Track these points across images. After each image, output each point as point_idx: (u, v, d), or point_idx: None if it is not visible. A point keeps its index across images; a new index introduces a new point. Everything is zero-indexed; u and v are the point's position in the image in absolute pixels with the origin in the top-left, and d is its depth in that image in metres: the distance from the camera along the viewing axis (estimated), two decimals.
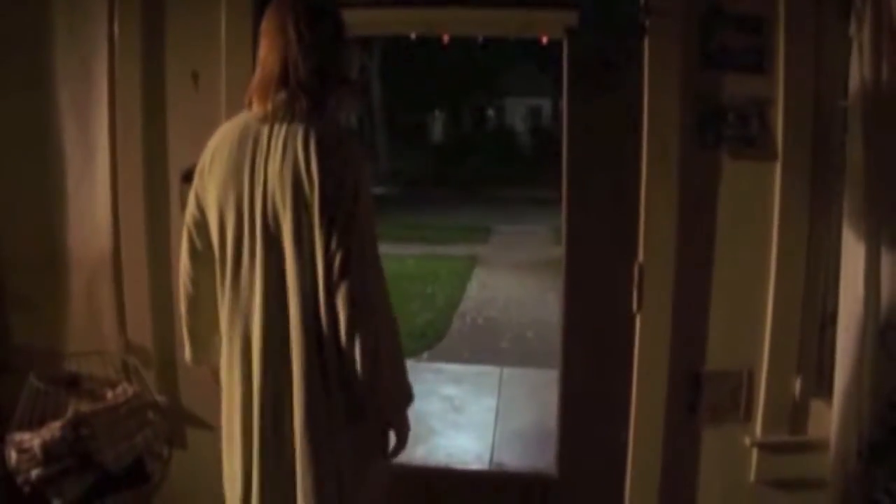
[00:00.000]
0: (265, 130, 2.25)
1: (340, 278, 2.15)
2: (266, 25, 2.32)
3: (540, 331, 8.84)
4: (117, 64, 3.53)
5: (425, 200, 22.28)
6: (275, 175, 2.20)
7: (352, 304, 2.15)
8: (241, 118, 2.33)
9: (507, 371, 6.84)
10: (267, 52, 2.29)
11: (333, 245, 2.16)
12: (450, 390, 6.29)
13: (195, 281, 2.52)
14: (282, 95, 2.23)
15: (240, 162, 2.26)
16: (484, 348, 8.06)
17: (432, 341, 8.37)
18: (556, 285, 11.57)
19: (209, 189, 2.33)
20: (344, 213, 2.16)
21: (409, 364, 2.51)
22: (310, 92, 2.24)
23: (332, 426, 2.26)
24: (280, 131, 2.23)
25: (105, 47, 3.53)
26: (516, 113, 38.36)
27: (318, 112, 2.25)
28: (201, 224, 2.42)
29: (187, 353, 2.65)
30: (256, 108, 2.28)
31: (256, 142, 2.25)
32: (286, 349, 2.23)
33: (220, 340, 2.42)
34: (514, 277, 12.08)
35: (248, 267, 2.27)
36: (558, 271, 12.22)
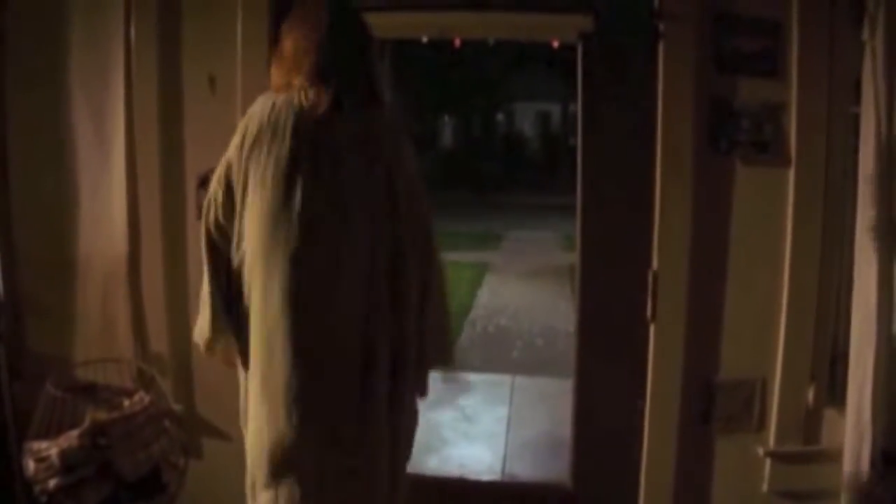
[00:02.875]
0: (330, 118, 2.31)
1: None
2: (307, 15, 2.41)
3: (551, 339, 8.83)
4: (134, 68, 3.55)
5: (435, 206, 22.16)
6: (352, 160, 2.32)
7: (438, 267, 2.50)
8: (287, 100, 2.35)
9: (518, 380, 6.82)
10: (313, 40, 2.37)
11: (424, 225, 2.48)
12: (462, 399, 6.27)
13: (218, 247, 2.51)
14: (343, 84, 2.33)
15: (300, 147, 2.30)
16: (495, 356, 8.05)
17: None
18: (567, 292, 11.62)
19: (253, 162, 2.34)
20: (422, 192, 2.48)
21: None
22: (375, 82, 2.40)
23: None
24: (351, 119, 2.34)
25: (121, 51, 3.55)
26: (526, 118, 38.22)
27: (379, 102, 2.41)
28: (227, 196, 2.43)
29: (205, 330, 2.58)
30: (309, 94, 2.33)
31: (322, 128, 2.31)
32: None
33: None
34: (524, 285, 12.05)
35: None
36: (569, 278, 12.17)
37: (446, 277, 2.59)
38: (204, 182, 2.92)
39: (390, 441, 2.41)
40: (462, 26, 3.86)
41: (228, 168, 2.42)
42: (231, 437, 3.52)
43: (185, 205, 3.57)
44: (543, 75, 34.37)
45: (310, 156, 2.30)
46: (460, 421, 5.84)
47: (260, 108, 2.38)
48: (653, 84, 3.33)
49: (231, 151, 2.42)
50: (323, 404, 2.32)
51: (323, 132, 2.31)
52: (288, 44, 2.42)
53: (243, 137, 2.37)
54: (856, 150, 3.20)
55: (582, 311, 3.61)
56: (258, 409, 2.38)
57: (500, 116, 38.19)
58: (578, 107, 3.53)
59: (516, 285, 12.01)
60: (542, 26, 3.69)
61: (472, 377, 6.97)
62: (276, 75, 2.46)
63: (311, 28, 2.38)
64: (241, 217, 2.39)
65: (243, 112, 3.40)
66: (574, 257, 13.20)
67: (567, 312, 10.24)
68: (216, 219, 2.47)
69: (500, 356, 8.10)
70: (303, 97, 2.33)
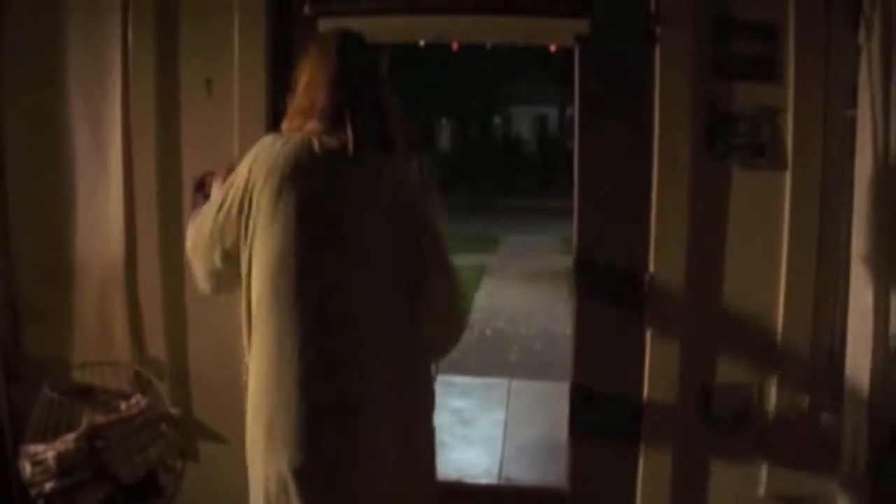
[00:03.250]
0: (350, 160, 2.21)
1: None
2: (321, 52, 2.33)
3: (548, 342, 8.86)
4: (131, 71, 3.56)
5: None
6: (366, 207, 2.22)
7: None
8: (307, 142, 2.22)
9: (515, 384, 6.83)
10: (329, 81, 2.28)
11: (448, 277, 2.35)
12: (458, 403, 6.27)
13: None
14: (357, 128, 2.23)
15: (311, 193, 2.18)
16: (492, 360, 8.05)
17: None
18: (564, 296, 11.61)
19: (264, 203, 2.18)
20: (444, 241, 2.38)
21: None
22: (389, 126, 2.33)
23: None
24: (364, 164, 2.23)
25: (119, 54, 3.55)
26: (523, 121, 38.20)
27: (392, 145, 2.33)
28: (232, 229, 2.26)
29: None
30: (327, 138, 2.22)
31: (335, 173, 2.21)
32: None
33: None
34: (522, 288, 12.07)
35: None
36: (566, 282, 12.18)
37: (459, 323, 2.50)
38: (200, 186, 2.91)
39: None
40: (459, 30, 3.86)
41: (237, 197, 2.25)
42: (228, 440, 3.52)
43: (181, 208, 3.55)
44: (540, 79, 34.36)
45: (321, 202, 2.20)
46: (457, 425, 5.84)
47: (268, 149, 2.23)
48: (650, 87, 3.33)
49: (236, 190, 2.25)
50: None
51: (336, 177, 2.21)
52: (301, 84, 2.33)
53: (247, 180, 2.22)
54: (852, 153, 3.20)
55: (578, 315, 3.60)
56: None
57: (497, 120, 38.21)
58: (575, 109, 3.53)
59: (514, 289, 12.02)
60: (538, 30, 3.70)
61: (470, 381, 6.97)
62: (288, 117, 2.35)
63: (324, 69, 2.30)
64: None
65: (241, 115, 3.45)
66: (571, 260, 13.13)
67: (564, 316, 10.22)
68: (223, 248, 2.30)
69: (497, 359, 8.12)
70: (315, 140, 2.22)
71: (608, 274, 3.53)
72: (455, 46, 5.40)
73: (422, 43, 4.28)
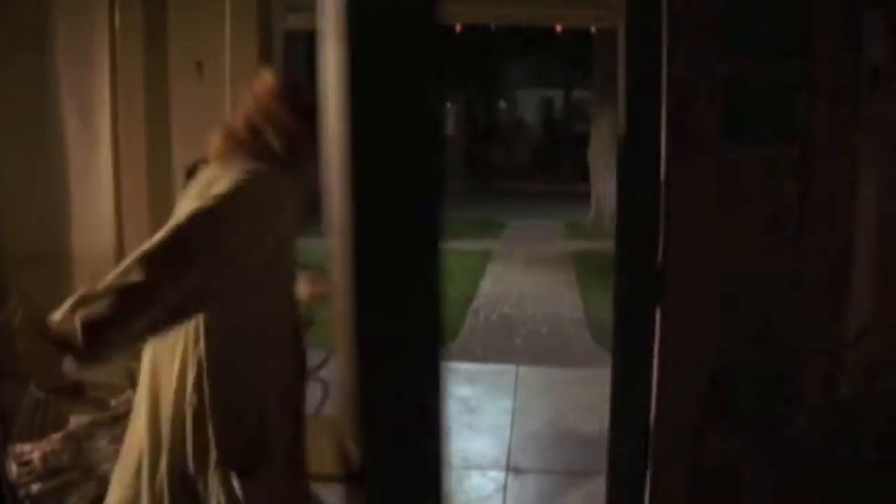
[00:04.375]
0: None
1: None
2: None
3: (555, 327, 8.79)
4: (119, 54, 3.46)
5: None
6: None
7: None
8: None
9: (522, 370, 6.71)
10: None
11: None
12: (465, 391, 6.16)
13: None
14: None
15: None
16: (498, 346, 7.93)
17: (446, 340, 8.26)
18: (570, 280, 11.48)
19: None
20: None
21: None
22: None
23: None
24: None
25: (106, 37, 3.43)
26: (528, 105, 38.12)
27: None
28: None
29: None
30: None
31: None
32: None
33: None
34: (528, 273, 11.93)
35: None
36: (572, 266, 12.16)
37: None
38: (192, 172, 2.78)
39: None
40: (463, 12, 3.74)
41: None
42: None
43: (172, 195, 3.43)
44: (546, 61, 34.28)
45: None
46: (463, 413, 5.74)
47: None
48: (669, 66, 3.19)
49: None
50: None
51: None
52: None
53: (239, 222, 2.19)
54: None
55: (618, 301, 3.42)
56: None
57: (502, 103, 38.12)
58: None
59: (520, 273, 11.89)
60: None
61: (476, 367, 6.87)
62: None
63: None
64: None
65: (231, 98, 3.31)
66: (578, 245, 13.26)
67: (572, 300, 10.17)
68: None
69: (503, 345, 7.98)
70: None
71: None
72: (458, 27, 5.28)
73: None
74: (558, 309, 9.55)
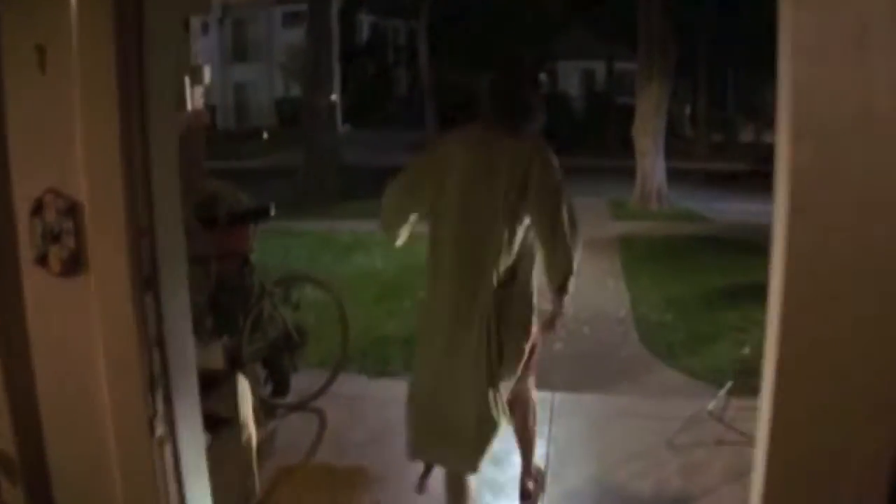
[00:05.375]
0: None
1: None
2: None
3: (599, 326, 7.82)
4: None
5: None
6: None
7: None
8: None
9: (559, 397, 5.52)
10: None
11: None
12: None
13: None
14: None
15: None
16: None
17: None
18: (615, 268, 10.28)
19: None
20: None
21: None
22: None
23: None
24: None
25: None
26: (570, 76, 37.42)
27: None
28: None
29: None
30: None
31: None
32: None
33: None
34: None
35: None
36: (617, 251, 10.84)
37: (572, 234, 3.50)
38: (39, 209, 1.73)
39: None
40: None
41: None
42: None
43: (14, 237, 2.36)
44: (588, 33, 33.28)
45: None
46: (485, 463, 4.63)
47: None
48: None
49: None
50: None
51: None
52: None
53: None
54: None
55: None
56: None
57: (542, 75, 37.27)
58: None
59: None
60: None
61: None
62: None
63: None
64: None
65: (82, 93, 2.24)
66: (623, 226, 11.92)
67: (617, 293, 9.27)
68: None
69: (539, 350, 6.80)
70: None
71: None
72: None
73: None
74: (602, 303, 8.61)
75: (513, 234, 3.40)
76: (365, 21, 42.60)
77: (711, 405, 5.13)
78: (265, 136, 35.51)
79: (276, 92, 40.20)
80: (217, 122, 39.98)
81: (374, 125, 38.14)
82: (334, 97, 18.76)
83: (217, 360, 3.83)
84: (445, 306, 3.41)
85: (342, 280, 9.84)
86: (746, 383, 4.87)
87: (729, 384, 5.28)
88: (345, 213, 15.73)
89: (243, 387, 3.81)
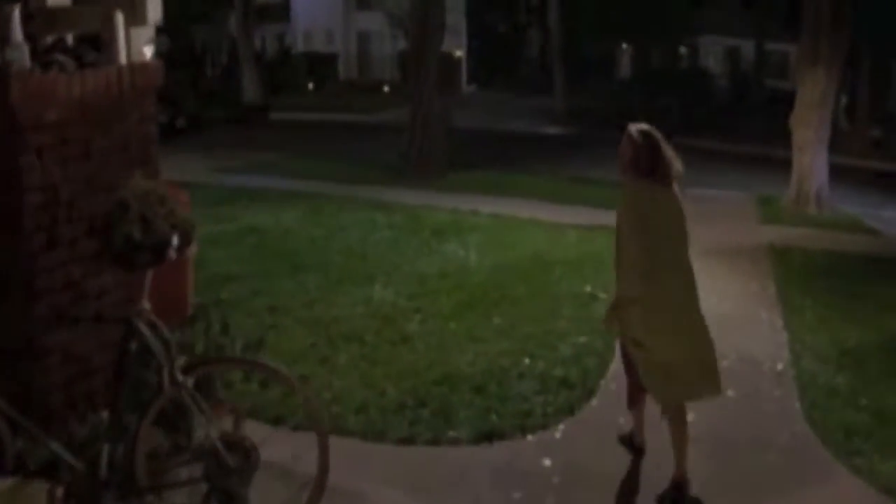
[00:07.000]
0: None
1: None
2: None
3: (747, 386, 5.68)
4: None
5: (604, 144, 18.79)
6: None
7: None
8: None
9: None
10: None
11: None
12: None
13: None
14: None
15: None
16: (654, 410, 4.70)
17: (577, 397, 5.48)
18: (768, 291, 6.57)
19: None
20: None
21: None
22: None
23: None
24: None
25: None
26: (712, 54, 35.81)
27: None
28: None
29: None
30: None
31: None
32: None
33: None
34: (705, 271, 8.02)
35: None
36: (769, 268, 7.28)
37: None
38: None
39: None
40: None
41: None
42: None
43: None
44: (735, 8, 31.55)
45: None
46: None
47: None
48: None
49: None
50: None
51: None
52: None
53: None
54: None
55: None
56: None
57: (682, 50, 36.27)
58: None
59: (696, 271, 8.34)
60: None
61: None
62: None
63: None
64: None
65: None
66: (775, 232, 9.44)
67: (772, 331, 6.87)
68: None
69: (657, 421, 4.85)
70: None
71: None
72: None
73: None
74: (752, 347, 6.38)
75: None
76: None
77: None
78: (385, 89, 34.24)
79: (400, 44, 38.78)
80: (339, 72, 38.87)
81: (501, 87, 36.52)
82: (459, 53, 16.96)
83: None
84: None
85: (416, 280, 7.97)
86: None
87: None
88: (449, 185, 13.87)
89: None
